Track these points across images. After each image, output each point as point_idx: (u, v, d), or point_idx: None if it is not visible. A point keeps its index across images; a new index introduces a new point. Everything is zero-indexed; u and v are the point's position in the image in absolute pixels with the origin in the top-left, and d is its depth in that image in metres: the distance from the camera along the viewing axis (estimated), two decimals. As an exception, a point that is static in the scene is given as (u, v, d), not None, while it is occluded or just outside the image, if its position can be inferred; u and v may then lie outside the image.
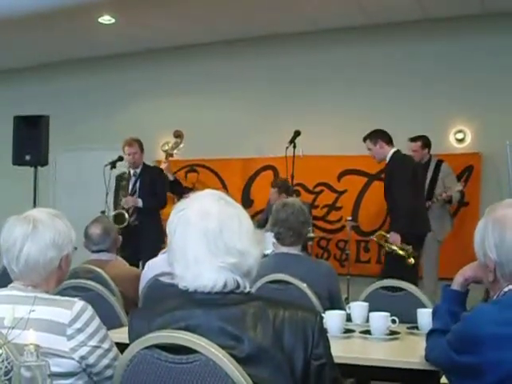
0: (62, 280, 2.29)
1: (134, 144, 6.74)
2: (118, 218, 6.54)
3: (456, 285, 2.36)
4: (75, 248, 2.31)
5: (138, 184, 6.74)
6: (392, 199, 6.01)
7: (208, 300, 1.69)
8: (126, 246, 6.29)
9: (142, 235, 6.41)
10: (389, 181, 6.08)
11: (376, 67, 7.83)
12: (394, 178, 5.99)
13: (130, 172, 6.83)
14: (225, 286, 1.69)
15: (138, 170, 6.79)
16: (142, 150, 6.80)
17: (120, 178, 6.89)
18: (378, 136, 6.13)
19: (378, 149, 6.11)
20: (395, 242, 5.89)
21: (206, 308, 1.68)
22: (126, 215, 6.55)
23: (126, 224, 6.50)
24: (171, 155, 7.46)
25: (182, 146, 7.52)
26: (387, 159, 6.12)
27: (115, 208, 6.82)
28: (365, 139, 6.21)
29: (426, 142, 6.90)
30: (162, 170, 7.14)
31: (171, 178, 7.45)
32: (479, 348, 1.87)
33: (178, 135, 7.51)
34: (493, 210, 2.06)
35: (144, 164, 6.87)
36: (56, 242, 2.16)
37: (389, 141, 6.13)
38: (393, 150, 6.11)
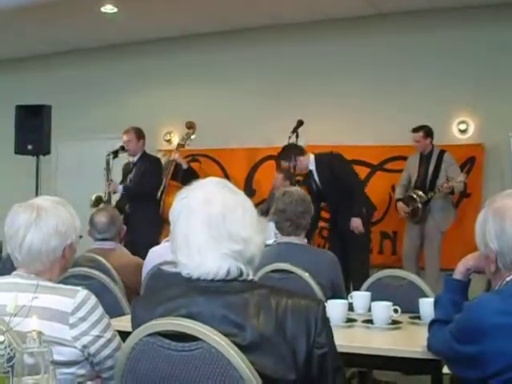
0: (66, 269, 2.29)
1: (130, 132, 6.78)
2: (97, 201, 6.68)
3: (458, 274, 2.36)
4: (80, 236, 2.31)
5: (132, 173, 6.78)
6: (346, 189, 6.30)
7: (211, 287, 1.69)
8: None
9: (134, 223, 6.33)
10: (331, 176, 6.35)
11: (379, 57, 7.79)
12: (341, 171, 6.35)
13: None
14: (228, 273, 1.69)
15: (135, 159, 6.82)
16: (138, 138, 6.81)
17: (125, 166, 6.95)
18: (291, 151, 6.36)
19: (298, 163, 6.34)
20: (359, 227, 6.30)
21: (209, 295, 1.68)
22: (104, 198, 6.65)
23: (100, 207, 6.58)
24: (183, 146, 7.43)
25: (193, 136, 7.49)
26: (310, 166, 6.45)
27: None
28: (280, 159, 6.53)
29: (427, 132, 6.88)
30: (157, 160, 7.12)
31: (185, 166, 7.43)
32: (481, 338, 1.87)
33: (190, 126, 7.48)
34: (492, 201, 2.08)
35: (144, 153, 6.89)
36: (59, 231, 2.15)
37: (301, 151, 6.42)
38: (312, 156, 6.46)
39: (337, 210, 6.59)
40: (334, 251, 6.17)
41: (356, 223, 6.31)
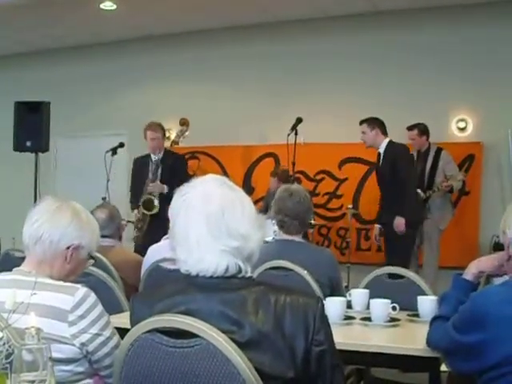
0: (73, 273, 2.26)
1: (158, 129, 6.58)
2: (148, 204, 6.42)
3: (469, 275, 2.36)
4: (92, 257, 2.32)
5: (159, 170, 6.54)
6: (397, 186, 6.07)
7: (209, 284, 1.69)
8: (148, 232, 6.27)
9: (163, 222, 6.25)
10: (391, 168, 6.15)
11: (378, 55, 7.81)
12: (401, 166, 6.13)
13: (150, 157, 6.64)
14: (227, 270, 1.69)
15: (160, 156, 6.56)
16: (164, 135, 6.68)
17: (140, 163, 6.74)
18: (377, 123, 6.26)
19: (374, 135, 6.25)
20: (400, 226, 6.03)
21: (208, 292, 1.68)
22: (156, 201, 6.38)
23: (156, 211, 6.35)
24: (177, 143, 7.42)
25: (187, 133, 7.49)
26: (381, 148, 6.27)
27: (133, 192, 6.70)
28: (362, 122, 6.32)
29: (422, 130, 6.89)
30: (184, 157, 7.04)
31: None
32: (484, 326, 1.88)
33: (184, 123, 7.47)
34: None
35: (165, 149, 6.70)
36: (71, 227, 2.18)
37: (384, 131, 6.28)
38: (387, 140, 6.26)
39: (384, 208, 6.41)
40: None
41: (399, 221, 6.06)
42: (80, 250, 2.23)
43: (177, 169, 6.55)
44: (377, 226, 6.53)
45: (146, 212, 6.43)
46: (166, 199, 6.37)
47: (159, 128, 6.61)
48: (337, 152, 7.89)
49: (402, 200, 6.05)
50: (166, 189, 6.39)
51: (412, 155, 6.56)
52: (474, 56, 7.39)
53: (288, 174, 7.15)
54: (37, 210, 2.19)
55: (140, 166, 6.73)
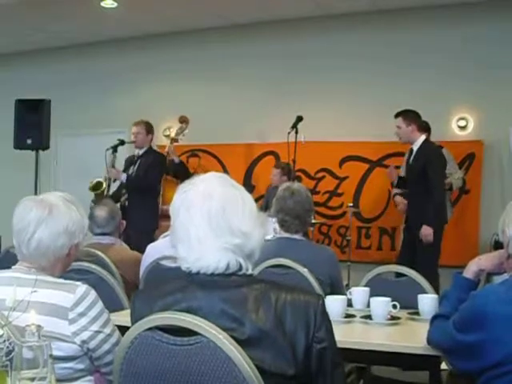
0: (69, 266, 2.29)
1: (140, 124, 6.77)
2: (96, 186, 6.76)
3: (469, 273, 2.35)
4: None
5: (136, 165, 6.74)
6: (426, 188, 5.80)
7: (210, 282, 1.69)
8: None
9: (129, 215, 6.30)
10: (423, 168, 5.86)
11: (379, 54, 7.79)
12: (433, 168, 5.83)
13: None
14: (227, 267, 1.69)
15: (141, 152, 6.79)
16: (147, 131, 6.80)
17: (128, 159, 6.93)
18: (414, 118, 5.96)
19: (409, 131, 5.95)
20: (428, 236, 5.74)
21: (208, 290, 1.68)
22: (104, 184, 6.68)
23: (100, 191, 6.65)
24: (176, 140, 7.44)
25: (186, 131, 7.51)
26: (415, 145, 6.01)
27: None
28: (397, 115, 6.02)
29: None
30: (162, 156, 7.09)
31: (177, 160, 7.46)
32: (482, 326, 1.88)
33: (184, 120, 7.49)
34: None
35: (150, 148, 6.87)
36: (69, 230, 2.16)
37: (420, 127, 6.01)
38: (423, 137, 6.01)
39: (410, 204, 6.20)
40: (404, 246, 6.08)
41: (427, 231, 5.74)
42: (79, 245, 2.24)
43: (149, 165, 6.69)
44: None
45: (93, 192, 6.81)
46: (133, 193, 6.67)
47: (142, 124, 6.79)
48: (337, 150, 7.89)
49: (428, 207, 5.76)
50: (123, 177, 6.66)
51: (444, 158, 6.17)
52: (475, 54, 7.38)
53: (291, 167, 7.15)
54: (26, 221, 2.13)
55: (127, 162, 6.93)
